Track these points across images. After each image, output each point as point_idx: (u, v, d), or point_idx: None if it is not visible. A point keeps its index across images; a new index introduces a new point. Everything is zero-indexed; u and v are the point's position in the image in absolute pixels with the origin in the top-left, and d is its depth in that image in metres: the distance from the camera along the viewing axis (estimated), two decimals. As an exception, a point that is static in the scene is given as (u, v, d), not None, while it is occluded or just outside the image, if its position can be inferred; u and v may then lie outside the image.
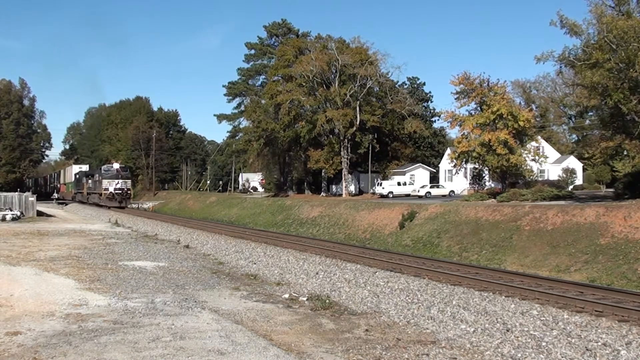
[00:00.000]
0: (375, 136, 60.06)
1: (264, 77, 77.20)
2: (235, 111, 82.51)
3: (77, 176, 73.89)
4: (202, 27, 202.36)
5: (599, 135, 37.85)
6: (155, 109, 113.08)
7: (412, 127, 57.97)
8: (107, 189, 59.76)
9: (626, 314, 11.88)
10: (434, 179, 63.14)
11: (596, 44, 26.90)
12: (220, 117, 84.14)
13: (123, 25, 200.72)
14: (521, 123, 34.68)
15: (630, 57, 25.21)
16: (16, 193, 47.51)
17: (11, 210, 41.30)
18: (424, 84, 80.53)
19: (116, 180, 60.34)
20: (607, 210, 23.09)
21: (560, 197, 32.01)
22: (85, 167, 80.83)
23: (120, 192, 60.14)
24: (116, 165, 64.38)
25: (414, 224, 31.67)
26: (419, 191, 50.64)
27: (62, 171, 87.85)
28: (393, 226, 32.97)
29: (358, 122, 55.57)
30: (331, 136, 57.85)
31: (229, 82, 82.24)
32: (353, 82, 55.90)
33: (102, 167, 65.46)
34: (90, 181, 66.73)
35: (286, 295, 14.10)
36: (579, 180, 53.10)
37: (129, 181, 64.20)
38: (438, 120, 72.22)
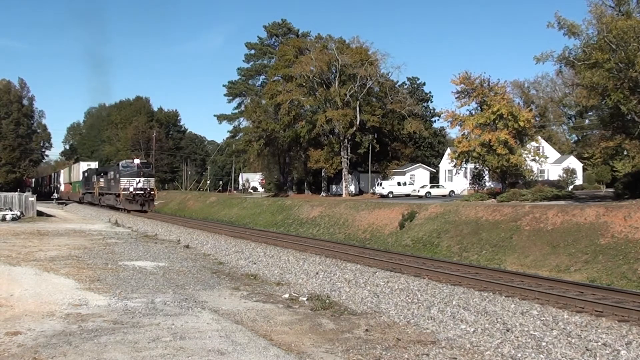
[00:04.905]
0: (375, 136, 60.12)
1: (264, 77, 77.37)
2: (236, 111, 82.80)
3: (86, 174, 65.41)
4: (202, 28, 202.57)
5: (599, 135, 37.90)
6: (155, 109, 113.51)
7: (412, 127, 58.01)
8: (126, 189, 50.62)
9: (626, 314, 11.88)
10: (434, 179, 63.18)
11: (596, 44, 26.89)
12: (221, 117, 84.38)
13: (123, 26, 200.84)
14: (521, 123, 34.74)
15: (630, 57, 25.21)
16: (16, 193, 47.43)
17: (11, 210, 41.27)
18: (424, 84, 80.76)
19: (137, 179, 50.91)
20: (607, 210, 23.08)
21: (560, 197, 32.01)
22: (94, 164, 72.58)
23: (142, 192, 51.03)
24: (137, 161, 54.76)
25: (414, 224, 31.65)
26: (419, 191, 50.67)
27: (64, 170, 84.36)
28: (393, 226, 32.97)
29: (358, 122, 55.59)
30: (331, 136, 57.87)
31: (229, 82, 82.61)
32: (353, 82, 55.91)
33: (121, 163, 55.82)
34: (103, 180, 57.88)
35: (286, 295, 14.09)
36: (579, 180, 53.12)
37: (153, 179, 54.51)
38: (438, 120, 72.51)
